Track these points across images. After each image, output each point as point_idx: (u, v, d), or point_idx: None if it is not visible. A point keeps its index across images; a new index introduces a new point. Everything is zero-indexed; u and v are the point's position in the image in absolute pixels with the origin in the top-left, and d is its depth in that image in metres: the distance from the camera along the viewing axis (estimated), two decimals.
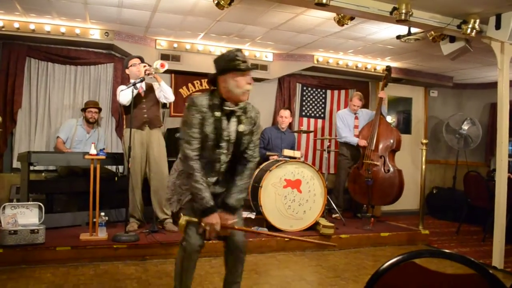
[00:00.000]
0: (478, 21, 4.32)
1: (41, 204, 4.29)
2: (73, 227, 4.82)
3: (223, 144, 2.64)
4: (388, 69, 6.41)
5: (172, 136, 5.51)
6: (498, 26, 4.36)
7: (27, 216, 4.21)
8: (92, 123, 5.53)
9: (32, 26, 5.31)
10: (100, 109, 5.64)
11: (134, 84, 4.48)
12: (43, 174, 5.49)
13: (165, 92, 4.85)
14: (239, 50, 2.63)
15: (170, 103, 5.76)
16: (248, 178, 2.78)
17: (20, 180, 4.86)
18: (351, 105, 6.55)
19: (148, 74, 4.67)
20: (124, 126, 4.99)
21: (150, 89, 4.93)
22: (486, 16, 4.39)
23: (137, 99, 4.87)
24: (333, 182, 6.71)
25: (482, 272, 1.15)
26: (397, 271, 1.22)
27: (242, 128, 2.69)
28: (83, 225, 4.87)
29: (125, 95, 4.60)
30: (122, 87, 4.78)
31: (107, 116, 6.11)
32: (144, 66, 4.70)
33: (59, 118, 5.82)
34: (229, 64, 2.57)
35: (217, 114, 2.61)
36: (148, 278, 3.73)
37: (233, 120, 2.68)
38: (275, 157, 5.66)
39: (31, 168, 4.65)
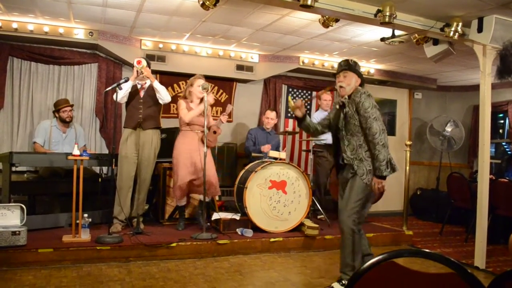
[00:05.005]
0: (460, 24, 4.38)
1: (23, 205, 4.23)
2: (56, 229, 4.75)
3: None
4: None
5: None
6: (480, 29, 4.43)
7: (8, 218, 4.14)
8: (68, 123, 5.38)
9: (15, 25, 5.24)
10: (72, 106, 5.47)
11: (118, 85, 4.49)
12: (25, 175, 5.41)
13: (158, 92, 4.83)
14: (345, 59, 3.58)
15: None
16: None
17: (1, 181, 4.79)
18: (321, 102, 6.53)
19: (138, 75, 4.74)
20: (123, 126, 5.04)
21: (150, 89, 4.91)
22: (468, 19, 4.45)
23: (134, 99, 4.86)
24: (314, 183, 6.70)
25: (460, 271, 1.16)
26: (377, 271, 1.22)
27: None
28: (66, 227, 4.81)
29: (114, 96, 4.63)
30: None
31: (91, 116, 6.05)
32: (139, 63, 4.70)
33: (42, 119, 5.72)
34: None
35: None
36: (132, 280, 3.69)
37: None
38: (266, 148, 5.69)
39: (13, 169, 4.58)
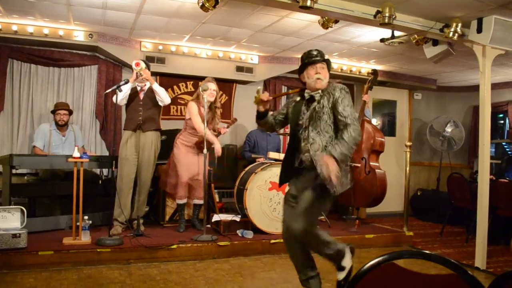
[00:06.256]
0: (460, 24, 4.39)
1: (23, 208, 4.23)
2: (56, 231, 4.75)
3: None
4: (374, 72, 6.40)
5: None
6: (479, 30, 4.43)
7: (8, 220, 4.15)
8: (61, 126, 5.36)
9: (14, 27, 5.24)
10: (70, 111, 5.47)
11: (118, 87, 4.50)
12: (25, 177, 5.41)
13: (158, 94, 4.83)
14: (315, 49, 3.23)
15: None
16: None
17: (1, 184, 4.80)
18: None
19: (137, 77, 4.75)
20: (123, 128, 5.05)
21: (150, 91, 4.91)
22: (467, 20, 4.45)
23: (134, 101, 4.87)
24: None
25: (460, 272, 1.16)
26: (377, 272, 1.22)
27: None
28: (66, 229, 4.81)
29: (114, 98, 4.63)
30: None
31: (91, 118, 6.05)
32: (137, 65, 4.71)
33: (42, 121, 5.71)
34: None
35: None
36: (132, 282, 3.69)
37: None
38: (261, 160, 5.66)
39: (13, 171, 4.58)
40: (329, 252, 3.12)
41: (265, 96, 3.24)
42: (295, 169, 3.21)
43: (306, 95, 3.19)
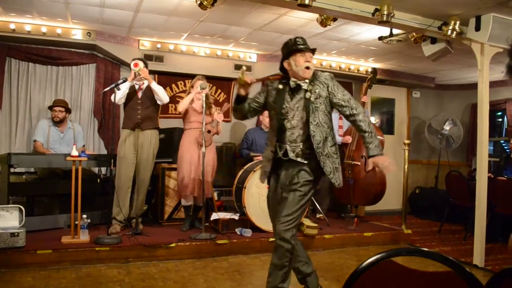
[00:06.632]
0: (458, 22, 4.39)
1: (21, 207, 4.22)
2: (55, 230, 4.74)
3: None
4: (373, 71, 6.37)
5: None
6: (478, 28, 4.43)
7: (7, 219, 4.14)
8: (57, 122, 5.33)
9: (12, 26, 5.23)
10: (67, 109, 5.42)
11: (116, 85, 4.49)
12: (23, 176, 5.40)
13: (156, 94, 4.83)
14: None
15: None
16: None
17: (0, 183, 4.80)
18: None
19: (135, 76, 4.75)
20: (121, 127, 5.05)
21: (148, 90, 4.91)
22: (466, 18, 4.45)
23: (132, 99, 4.86)
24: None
25: (458, 269, 1.16)
26: (375, 270, 1.22)
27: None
28: (64, 228, 4.80)
29: (112, 97, 4.62)
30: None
31: (89, 117, 6.04)
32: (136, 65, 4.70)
33: (40, 120, 5.72)
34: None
35: None
36: (131, 281, 3.69)
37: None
38: (259, 158, 5.66)
39: (12, 170, 4.58)
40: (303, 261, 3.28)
41: (250, 78, 3.09)
42: (278, 159, 3.07)
43: (292, 83, 3.02)
